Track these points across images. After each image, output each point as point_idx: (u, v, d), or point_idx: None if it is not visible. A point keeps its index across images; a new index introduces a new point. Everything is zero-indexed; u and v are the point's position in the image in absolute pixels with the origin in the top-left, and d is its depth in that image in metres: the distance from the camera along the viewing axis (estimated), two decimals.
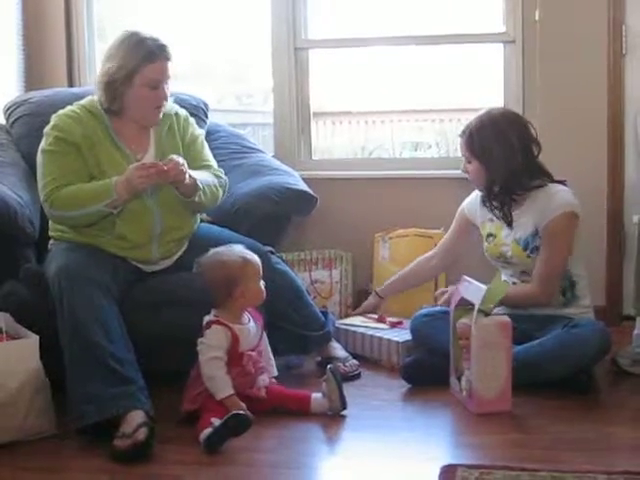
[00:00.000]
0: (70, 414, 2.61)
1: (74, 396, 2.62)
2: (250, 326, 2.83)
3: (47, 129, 3.03)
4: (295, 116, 4.23)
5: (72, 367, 2.65)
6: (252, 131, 5.06)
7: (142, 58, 2.93)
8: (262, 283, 2.83)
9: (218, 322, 2.76)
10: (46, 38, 4.30)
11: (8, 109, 3.73)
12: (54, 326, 2.74)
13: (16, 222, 3.06)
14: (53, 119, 3.04)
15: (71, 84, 4.33)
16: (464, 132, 3.19)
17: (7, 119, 3.73)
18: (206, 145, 3.31)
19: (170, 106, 3.16)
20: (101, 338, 2.64)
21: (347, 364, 3.24)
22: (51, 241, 3.12)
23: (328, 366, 2.83)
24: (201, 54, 4.91)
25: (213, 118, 3.91)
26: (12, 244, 3.12)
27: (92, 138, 2.98)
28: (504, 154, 3.09)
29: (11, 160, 3.49)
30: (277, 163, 3.82)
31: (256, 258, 2.84)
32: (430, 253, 3.54)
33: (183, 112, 3.25)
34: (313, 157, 4.37)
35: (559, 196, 3.09)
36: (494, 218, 3.25)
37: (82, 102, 3.10)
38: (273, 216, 3.45)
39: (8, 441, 2.59)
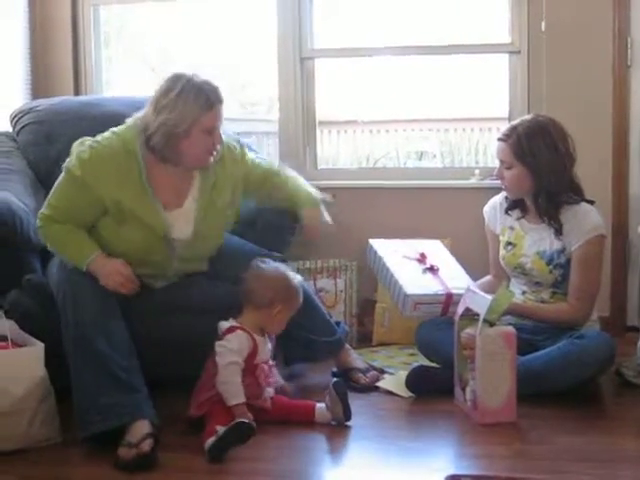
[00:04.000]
0: (76, 423, 2.61)
1: (79, 405, 2.62)
2: (267, 340, 2.86)
3: (80, 155, 2.87)
4: (300, 125, 4.24)
5: (77, 375, 2.65)
6: (256, 140, 5.07)
7: (201, 108, 2.83)
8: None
9: (242, 329, 2.77)
10: (53, 46, 4.32)
11: (15, 117, 3.75)
12: (59, 334, 2.74)
13: (22, 230, 3.06)
14: (88, 150, 2.86)
15: (77, 92, 4.35)
16: (508, 136, 3.11)
17: (14, 127, 3.75)
18: (253, 157, 3.27)
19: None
20: (105, 346, 2.65)
21: (368, 375, 3.23)
22: None
23: (332, 380, 2.83)
24: (206, 62, 4.93)
25: None
26: (18, 252, 3.12)
27: (123, 197, 2.85)
28: (553, 161, 3.08)
29: (17, 168, 3.50)
30: None
31: (302, 299, 2.91)
32: (487, 278, 3.43)
33: (221, 149, 3.02)
34: (318, 166, 4.37)
35: (590, 218, 3.08)
36: (515, 226, 3.24)
37: (122, 133, 2.92)
38: (279, 225, 3.46)
39: (13, 449, 2.59)
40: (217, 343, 2.76)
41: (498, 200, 3.33)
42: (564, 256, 3.10)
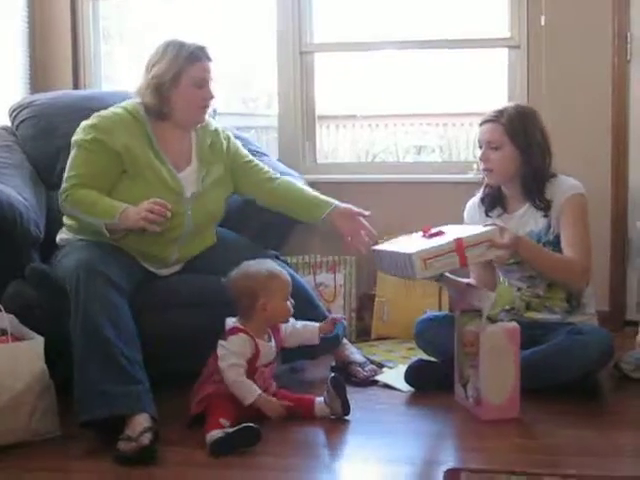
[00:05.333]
0: (76, 407, 2.61)
1: (81, 389, 2.62)
2: (271, 345, 2.84)
3: (86, 124, 3.04)
4: (300, 120, 4.24)
5: (81, 361, 2.64)
6: (256, 134, 5.06)
7: (186, 58, 3.02)
8: (290, 302, 2.83)
9: (245, 332, 2.76)
10: (52, 40, 4.31)
11: (14, 111, 3.75)
12: (59, 327, 2.74)
13: (21, 224, 3.07)
14: (95, 118, 3.05)
15: (76, 86, 4.34)
16: (498, 117, 3.11)
17: (13, 121, 3.74)
18: (248, 152, 3.39)
19: (210, 122, 3.25)
20: (112, 335, 2.64)
21: (366, 369, 3.24)
22: (62, 235, 3.14)
23: (330, 376, 2.82)
24: None
25: (217, 121, 3.92)
26: (17, 246, 3.12)
27: (134, 147, 2.99)
28: (541, 142, 3.11)
29: (17, 162, 3.50)
30: (282, 167, 3.82)
31: (286, 275, 2.84)
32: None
33: (220, 127, 3.30)
34: (317, 161, 4.37)
35: (567, 182, 3.10)
36: (496, 222, 3.23)
37: (124, 104, 3.12)
38: (278, 219, 3.46)
39: (13, 442, 2.59)
40: (220, 342, 2.75)
41: (476, 201, 3.33)
42: (551, 233, 3.09)
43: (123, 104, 3.13)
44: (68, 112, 3.64)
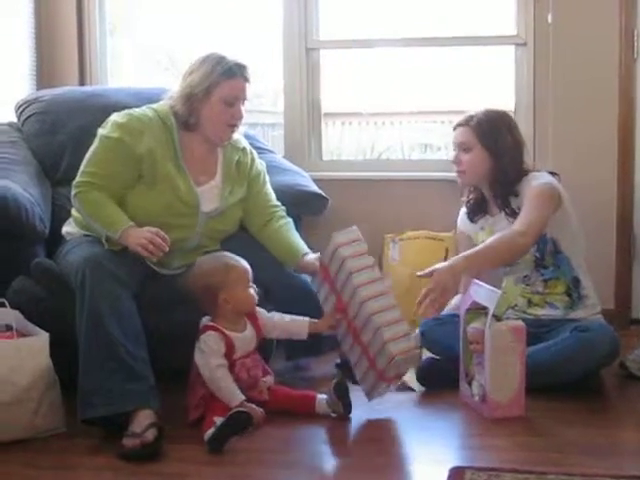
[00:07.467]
0: (79, 403, 2.61)
1: (84, 386, 2.62)
2: (246, 334, 2.81)
3: (115, 121, 2.99)
4: (306, 117, 4.24)
5: (86, 357, 2.64)
6: (261, 131, 5.06)
7: (222, 73, 2.97)
8: (253, 289, 2.80)
9: (213, 328, 2.74)
10: (58, 36, 4.32)
11: (20, 107, 3.75)
12: (64, 323, 2.74)
13: (27, 220, 3.07)
14: (126, 116, 3.01)
15: (82, 82, 4.35)
16: (467, 121, 3.18)
17: (19, 117, 3.74)
18: (268, 180, 3.31)
19: (240, 139, 3.21)
20: (118, 332, 2.64)
21: None
22: (68, 228, 3.13)
23: (334, 381, 2.79)
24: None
25: None
26: (22, 241, 3.12)
27: (156, 154, 2.96)
28: (511, 145, 3.15)
29: (22, 158, 3.50)
30: (287, 164, 3.83)
31: (243, 263, 2.80)
32: (456, 299, 3.26)
33: (248, 146, 3.27)
34: (323, 158, 4.37)
35: (537, 177, 3.12)
36: (485, 225, 3.25)
37: (157, 107, 3.06)
38: None
39: (18, 438, 2.59)
40: (196, 346, 2.74)
41: (464, 210, 3.37)
42: None
43: (155, 106, 3.08)
44: (74, 108, 3.65)
